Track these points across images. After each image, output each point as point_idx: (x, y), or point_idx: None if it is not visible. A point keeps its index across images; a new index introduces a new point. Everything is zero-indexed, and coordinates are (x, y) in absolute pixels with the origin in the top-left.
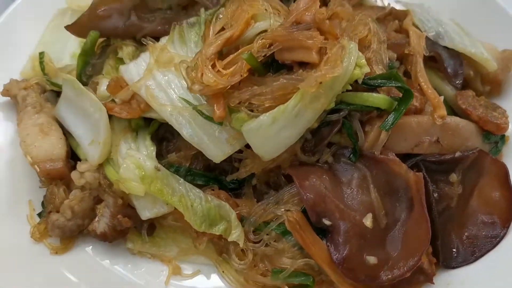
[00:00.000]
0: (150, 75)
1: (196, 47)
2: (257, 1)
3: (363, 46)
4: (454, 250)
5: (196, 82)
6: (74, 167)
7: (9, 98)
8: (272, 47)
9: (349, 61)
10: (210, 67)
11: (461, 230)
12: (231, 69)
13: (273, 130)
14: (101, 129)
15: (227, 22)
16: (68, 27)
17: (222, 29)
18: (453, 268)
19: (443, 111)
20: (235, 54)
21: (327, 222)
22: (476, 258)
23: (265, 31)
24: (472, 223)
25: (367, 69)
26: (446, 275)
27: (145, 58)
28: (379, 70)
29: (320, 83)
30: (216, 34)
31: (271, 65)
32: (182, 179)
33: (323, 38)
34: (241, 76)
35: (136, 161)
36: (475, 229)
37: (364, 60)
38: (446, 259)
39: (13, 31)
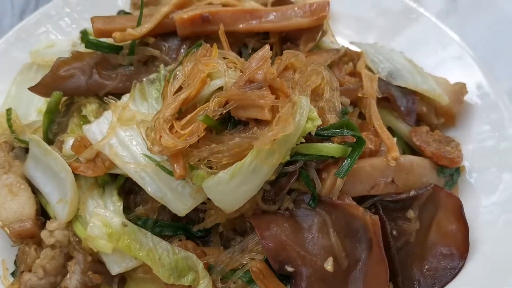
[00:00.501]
0: (113, 134)
1: (157, 103)
2: (211, 59)
3: (316, 94)
4: (415, 283)
5: (155, 143)
6: (44, 224)
7: None
8: (227, 106)
9: (301, 117)
10: (167, 129)
11: (421, 263)
12: (189, 128)
13: (231, 186)
14: (67, 188)
15: (185, 81)
16: (31, 89)
17: (180, 88)
18: None
19: (396, 153)
20: (192, 114)
21: (289, 269)
22: None
23: (221, 88)
24: (432, 255)
25: (319, 122)
26: None
27: (107, 117)
28: (332, 118)
29: (273, 140)
30: (174, 94)
31: (228, 120)
32: (149, 233)
33: (275, 97)
34: (198, 136)
35: (103, 218)
36: (435, 261)
37: (315, 113)
38: None
39: None
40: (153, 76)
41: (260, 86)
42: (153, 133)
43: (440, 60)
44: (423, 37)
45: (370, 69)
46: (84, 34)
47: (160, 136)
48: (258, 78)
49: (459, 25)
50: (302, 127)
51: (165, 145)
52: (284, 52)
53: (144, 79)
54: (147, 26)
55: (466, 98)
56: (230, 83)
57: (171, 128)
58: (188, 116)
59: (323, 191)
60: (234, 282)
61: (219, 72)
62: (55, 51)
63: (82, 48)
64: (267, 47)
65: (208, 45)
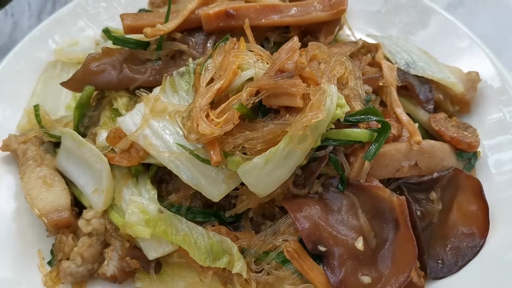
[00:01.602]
0: (146, 125)
1: (187, 95)
2: (241, 52)
3: (341, 83)
4: (439, 261)
5: (192, 132)
6: (78, 214)
7: (8, 152)
8: (259, 95)
9: (331, 103)
10: (204, 117)
11: (444, 243)
12: (223, 117)
13: (266, 171)
14: (103, 178)
15: (216, 73)
16: (64, 84)
17: (212, 79)
18: (440, 278)
19: (418, 137)
20: (226, 103)
21: (322, 248)
22: (460, 268)
23: (251, 78)
24: (454, 235)
25: (347, 108)
26: (434, 285)
27: (140, 109)
28: (357, 105)
29: (306, 126)
30: (206, 85)
31: (259, 109)
32: (184, 218)
33: (306, 85)
34: (233, 123)
35: (140, 205)
36: (457, 241)
37: (343, 100)
38: (433, 271)
39: (4, 86)
40: (182, 69)
41: (291, 75)
42: (189, 122)
43: (452, 52)
44: (435, 31)
45: (388, 60)
46: (107, 32)
47: (197, 125)
48: (288, 68)
49: (467, 18)
50: (332, 114)
51: (202, 133)
52: (309, 44)
53: (174, 72)
54: (175, 22)
55: (479, 86)
56: (260, 73)
57: (206, 116)
58: (223, 105)
59: (351, 174)
60: (268, 264)
61: (248, 63)
62: (79, 49)
63: (104, 46)
64: (295, 38)
65: (234, 39)
